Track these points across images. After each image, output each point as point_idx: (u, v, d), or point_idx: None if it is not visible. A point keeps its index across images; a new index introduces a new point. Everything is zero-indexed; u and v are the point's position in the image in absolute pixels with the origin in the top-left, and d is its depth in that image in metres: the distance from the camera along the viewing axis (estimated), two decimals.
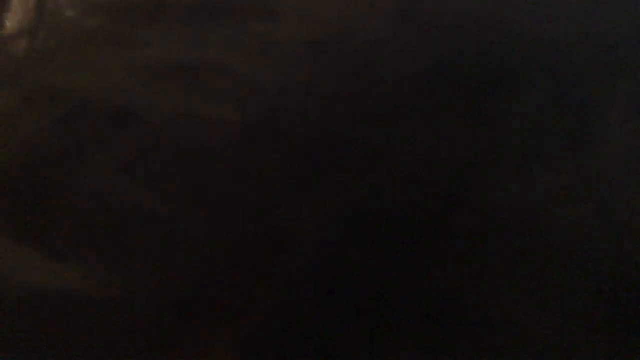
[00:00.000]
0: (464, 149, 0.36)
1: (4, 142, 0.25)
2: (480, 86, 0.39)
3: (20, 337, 0.20)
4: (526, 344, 0.32)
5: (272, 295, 0.24)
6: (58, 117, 0.26)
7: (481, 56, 0.40)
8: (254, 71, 0.29)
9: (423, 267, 0.31)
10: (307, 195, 0.28)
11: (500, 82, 0.39)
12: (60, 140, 0.25)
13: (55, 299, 0.21)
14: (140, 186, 0.23)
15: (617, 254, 0.45)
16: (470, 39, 0.41)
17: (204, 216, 0.23)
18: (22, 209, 0.23)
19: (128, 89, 0.27)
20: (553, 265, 0.52)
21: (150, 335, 0.21)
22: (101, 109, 0.26)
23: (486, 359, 0.28)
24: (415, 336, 0.29)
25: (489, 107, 0.39)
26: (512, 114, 0.42)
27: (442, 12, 0.40)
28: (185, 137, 0.25)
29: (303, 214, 0.27)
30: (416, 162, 0.32)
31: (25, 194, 0.23)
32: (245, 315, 0.23)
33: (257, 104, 0.28)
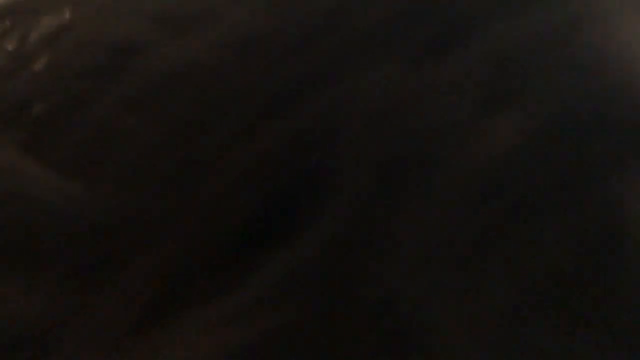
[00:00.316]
0: None
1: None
2: None
3: (16, 246, 0.19)
4: None
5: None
6: (67, 47, 0.24)
7: None
8: (255, 21, 0.26)
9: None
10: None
11: None
12: (72, 75, 0.23)
13: (53, 211, 0.19)
14: (141, 120, 0.21)
15: None
16: None
17: (195, 150, 0.21)
18: (30, 122, 0.21)
19: (135, 30, 0.25)
20: None
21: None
22: (109, 44, 0.24)
23: None
24: None
25: None
26: None
27: None
28: (184, 78, 0.23)
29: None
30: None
31: (34, 110, 0.21)
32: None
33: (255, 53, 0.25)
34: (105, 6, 0.19)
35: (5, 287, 0.17)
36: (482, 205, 0.15)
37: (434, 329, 0.15)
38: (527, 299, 0.15)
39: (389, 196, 0.16)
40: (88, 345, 0.15)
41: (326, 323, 0.15)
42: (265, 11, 0.18)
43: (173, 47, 0.18)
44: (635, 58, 0.17)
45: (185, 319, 0.15)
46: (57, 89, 0.19)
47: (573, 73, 0.17)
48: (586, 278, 0.15)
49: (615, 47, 0.17)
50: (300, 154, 0.16)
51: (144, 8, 0.19)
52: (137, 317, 0.16)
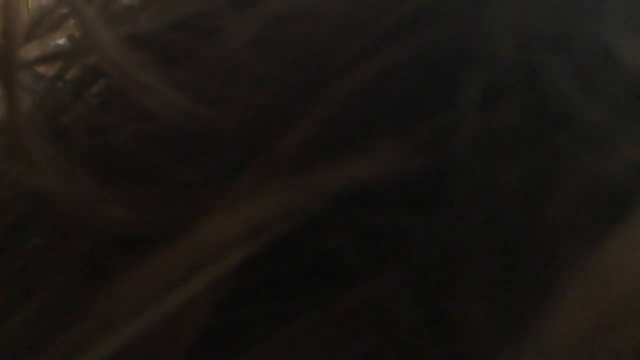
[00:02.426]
0: None
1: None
2: None
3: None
4: None
5: None
6: None
7: None
8: None
9: None
10: None
11: None
12: (195, 13, 0.24)
13: (188, 133, 0.20)
14: (258, 56, 0.21)
15: None
16: None
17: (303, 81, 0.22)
18: (159, 53, 0.23)
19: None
20: None
21: None
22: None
23: None
24: None
25: None
26: None
27: None
28: (298, 24, 0.23)
29: None
30: None
31: (161, 44, 0.22)
32: None
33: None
34: None
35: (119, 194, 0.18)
36: None
37: None
38: None
39: None
40: None
41: None
42: None
43: None
44: None
45: None
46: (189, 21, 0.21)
47: None
48: None
49: None
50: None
51: None
52: None
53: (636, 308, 0.14)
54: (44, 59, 0.23)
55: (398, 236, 0.16)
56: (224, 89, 0.19)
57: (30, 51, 0.23)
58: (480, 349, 0.15)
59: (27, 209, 0.21)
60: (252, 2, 0.20)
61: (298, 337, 0.16)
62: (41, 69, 0.23)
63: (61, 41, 0.24)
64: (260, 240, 0.15)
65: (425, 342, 0.15)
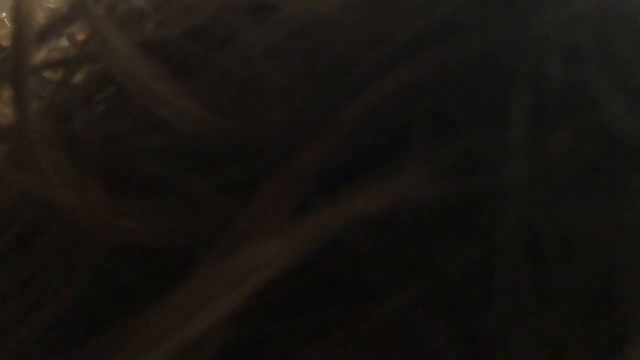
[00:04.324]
0: None
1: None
2: None
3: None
4: None
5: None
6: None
7: None
8: None
9: None
10: None
11: None
12: (210, 19, 0.22)
13: (203, 145, 0.19)
14: (276, 66, 0.20)
15: None
16: None
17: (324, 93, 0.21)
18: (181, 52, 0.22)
19: None
20: None
21: None
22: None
23: None
24: None
25: None
26: None
27: None
28: (318, 32, 0.22)
29: None
30: None
31: (179, 54, 0.22)
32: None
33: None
34: None
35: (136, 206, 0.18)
36: None
37: None
38: None
39: None
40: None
41: None
42: None
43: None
44: None
45: None
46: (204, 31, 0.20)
47: None
48: None
49: None
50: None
51: None
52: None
53: None
54: (53, 64, 0.23)
55: (425, 254, 0.15)
56: (241, 101, 0.18)
57: (40, 56, 0.23)
58: None
59: (35, 219, 0.20)
60: (269, 10, 0.19)
61: (323, 354, 0.15)
62: (49, 74, 0.23)
63: (70, 46, 0.24)
64: (288, 264, 0.15)
65: None
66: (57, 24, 0.22)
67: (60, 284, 0.19)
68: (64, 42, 0.25)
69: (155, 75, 0.18)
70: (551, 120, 0.15)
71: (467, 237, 0.15)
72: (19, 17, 0.19)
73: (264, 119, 0.18)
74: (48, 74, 0.23)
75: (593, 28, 0.16)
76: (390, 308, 0.15)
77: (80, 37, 0.23)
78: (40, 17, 0.23)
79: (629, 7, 0.16)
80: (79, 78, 0.23)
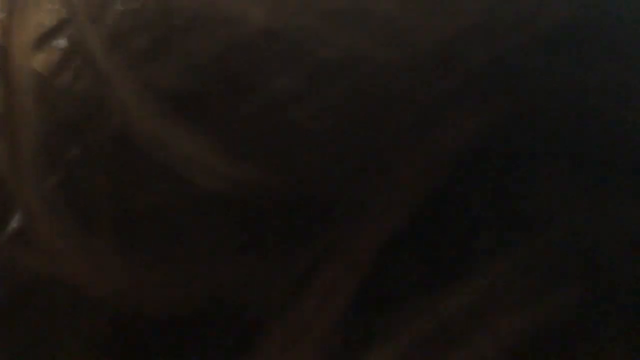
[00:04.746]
0: None
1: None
2: None
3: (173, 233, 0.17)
4: None
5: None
6: (239, 45, 0.21)
7: None
8: (429, 22, 0.24)
9: None
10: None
11: None
12: (237, 66, 0.21)
13: (230, 202, 0.17)
14: (307, 113, 0.19)
15: None
16: None
17: (360, 141, 0.19)
18: (195, 107, 0.19)
19: (304, 25, 0.23)
20: None
21: None
22: (282, 43, 0.21)
23: None
24: None
25: None
26: None
27: None
28: (356, 76, 0.21)
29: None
30: None
31: (200, 92, 0.20)
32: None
33: (424, 50, 0.23)
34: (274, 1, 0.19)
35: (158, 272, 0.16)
36: None
37: None
38: None
39: None
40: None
41: None
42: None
43: (339, 39, 0.17)
44: None
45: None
46: (220, 78, 0.18)
47: None
48: None
49: None
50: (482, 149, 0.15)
51: (315, 6, 0.18)
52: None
53: None
54: (47, 99, 0.20)
55: None
56: (268, 151, 0.17)
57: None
58: None
59: (45, 297, 0.18)
60: (295, 48, 0.17)
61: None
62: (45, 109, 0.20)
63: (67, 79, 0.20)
64: None
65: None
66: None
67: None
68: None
69: (165, 119, 0.16)
70: None
71: None
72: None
73: (297, 170, 0.16)
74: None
75: None
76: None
77: None
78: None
79: None
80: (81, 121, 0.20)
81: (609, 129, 0.15)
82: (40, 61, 0.20)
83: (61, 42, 0.20)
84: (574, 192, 0.15)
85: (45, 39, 0.20)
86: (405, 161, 0.15)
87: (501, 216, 0.15)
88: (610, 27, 0.16)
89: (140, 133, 0.17)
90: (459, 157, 0.15)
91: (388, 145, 0.16)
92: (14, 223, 0.18)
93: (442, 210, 0.15)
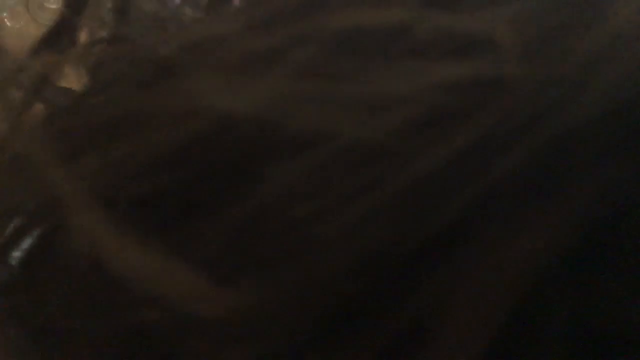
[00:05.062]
0: None
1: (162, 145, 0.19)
2: None
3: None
4: None
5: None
6: (236, 138, 0.20)
7: None
8: (457, 106, 0.22)
9: None
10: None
11: None
12: (235, 157, 0.19)
13: (206, 326, 0.15)
14: (314, 211, 0.17)
15: None
16: None
17: (374, 242, 0.17)
18: (177, 221, 0.17)
19: (312, 116, 0.21)
20: None
21: None
22: (278, 132, 0.20)
23: None
24: None
25: None
26: None
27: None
28: (366, 166, 0.20)
29: None
30: None
31: (182, 206, 0.17)
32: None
33: (454, 139, 0.21)
34: (290, 93, 0.16)
35: None
36: None
37: None
38: None
39: None
40: None
41: None
42: None
43: (349, 130, 0.15)
44: None
45: None
46: (207, 181, 0.16)
47: None
48: None
49: None
50: None
51: (317, 94, 0.16)
52: None
53: None
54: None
55: None
56: (266, 260, 0.15)
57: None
58: None
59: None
60: (290, 144, 0.16)
61: None
62: None
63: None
64: None
65: None
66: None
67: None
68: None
69: (136, 242, 0.15)
70: None
71: None
72: None
73: (304, 283, 0.14)
74: None
75: None
76: None
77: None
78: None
79: None
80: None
81: None
82: None
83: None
84: None
85: None
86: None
87: None
88: None
89: (116, 263, 0.15)
90: None
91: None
92: None
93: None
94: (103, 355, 0.16)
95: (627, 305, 0.13)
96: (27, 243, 0.18)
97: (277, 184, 0.15)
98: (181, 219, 0.16)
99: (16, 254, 0.18)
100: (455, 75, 0.14)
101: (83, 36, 0.20)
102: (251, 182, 0.15)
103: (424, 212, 0.14)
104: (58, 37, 0.20)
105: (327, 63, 0.16)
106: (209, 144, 0.16)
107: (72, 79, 0.19)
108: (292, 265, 0.14)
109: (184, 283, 0.14)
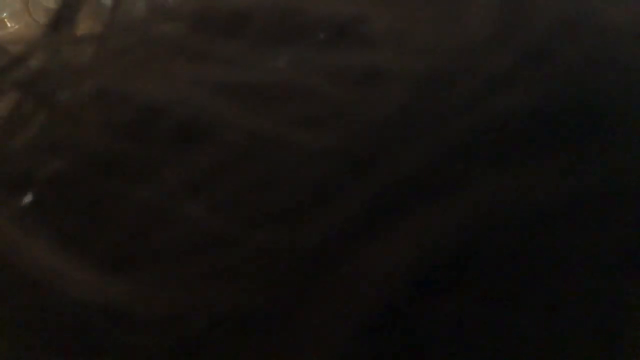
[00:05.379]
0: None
1: (63, 144, 0.19)
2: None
3: (54, 351, 0.14)
4: None
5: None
6: (123, 125, 0.19)
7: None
8: (344, 98, 0.21)
9: None
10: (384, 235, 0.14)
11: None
12: (123, 148, 0.19)
13: (97, 314, 0.16)
14: (205, 206, 0.17)
15: None
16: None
17: (267, 241, 0.17)
18: (74, 215, 0.17)
19: (202, 104, 0.21)
20: None
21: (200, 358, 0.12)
22: (172, 121, 0.19)
23: None
24: None
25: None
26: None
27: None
28: (260, 159, 0.19)
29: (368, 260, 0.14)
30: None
31: (79, 200, 0.18)
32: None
33: (343, 132, 0.20)
34: (168, 74, 0.17)
35: None
36: None
37: None
38: None
39: None
40: None
41: None
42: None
43: (243, 121, 0.16)
44: None
45: None
46: (104, 161, 0.16)
47: None
48: None
49: None
50: None
51: (208, 79, 0.16)
52: None
53: None
54: None
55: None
56: (160, 257, 0.15)
57: None
58: None
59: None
60: (199, 136, 0.16)
61: None
62: None
63: None
64: None
65: None
66: None
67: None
68: None
69: (37, 237, 0.15)
70: None
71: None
72: None
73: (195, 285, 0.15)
74: None
75: None
76: None
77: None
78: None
79: None
80: None
81: None
82: None
83: None
84: None
85: None
86: (327, 286, 0.14)
87: None
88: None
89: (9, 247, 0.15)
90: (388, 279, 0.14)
91: (296, 265, 0.14)
92: None
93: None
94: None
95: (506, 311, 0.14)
96: None
97: (173, 176, 0.15)
98: (84, 216, 0.16)
99: None
100: (346, 63, 0.15)
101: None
102: (150, 173, 0.15)
103: (312, 211, 0.14)
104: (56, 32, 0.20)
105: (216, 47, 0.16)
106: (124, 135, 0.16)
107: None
108: (184, 260, 0.15)
109: (76, 271, 0.15)
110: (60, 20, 0.20)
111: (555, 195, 0.14)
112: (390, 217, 0.14)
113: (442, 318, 0.14)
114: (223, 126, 0.16)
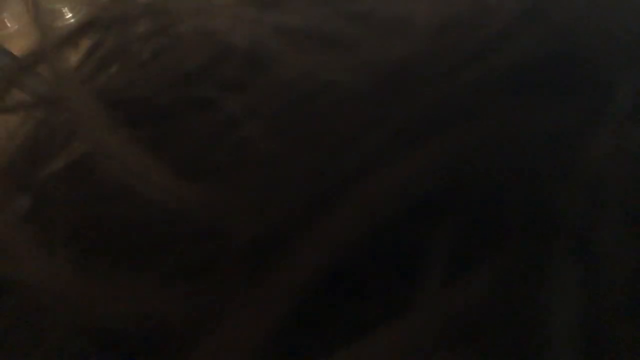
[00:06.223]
0: None
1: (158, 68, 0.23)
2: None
3: (125, 252, 0.16)
4: None
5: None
6: (196, 60, 0.22)
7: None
8: (383, 46, 0.24)
9: None
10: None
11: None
12: (197, 76, 0.21)
13: (169, 215, 0.15)
14: (261, 129, 0.19)
15: None
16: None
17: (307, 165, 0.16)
18: (157, 117, 0.20)
19: (263, 40, 0.23)
20: None
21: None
22: (239, 56, 0.22)
23: None
24: None
25: None
26: None
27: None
28: (310, 94, 0.21)
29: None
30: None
31: (160, 115, 0.20)
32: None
33: (380, 76, 0.23)
34: (243, 17, 0.19)
35: (108, 285, 0.16)
36: None
37: None
38: None
39: None
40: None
41: None
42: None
43: (308, 64, 0.17)
44: None
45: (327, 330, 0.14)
46: (185, 91, 0.18)
47: None
48: None
49: None
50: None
51: (277, 21, 0.18)
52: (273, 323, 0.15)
53: None
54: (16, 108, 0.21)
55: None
56: (225, 169, 0.16)
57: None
58: None
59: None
60: (261, 71, 0.17)
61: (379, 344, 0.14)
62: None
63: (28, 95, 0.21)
64: None
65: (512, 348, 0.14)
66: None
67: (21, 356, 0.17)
68: None
69: (125, 139, 0.16)
70: None
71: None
72: None
73: (256, 190, 0.16)
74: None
75: None
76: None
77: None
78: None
79: None
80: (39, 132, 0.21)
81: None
82: None
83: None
84: None
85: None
86: (349, 199, 0.15)
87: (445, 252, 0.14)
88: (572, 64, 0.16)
89: (100, 151, 0.17)
90: (403, 197, 0.15)
91: (334, 178, 0.15)
92: None
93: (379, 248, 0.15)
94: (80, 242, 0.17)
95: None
96: (56, 169, 0.19)
97: (236, 104, 0.17)
98: (158, 128, 0.18)
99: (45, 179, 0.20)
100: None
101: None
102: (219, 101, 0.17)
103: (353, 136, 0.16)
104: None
105: None
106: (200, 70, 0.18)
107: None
108: (236, 175, 0.16)
109: (153, 175, 0.16)
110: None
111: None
112: (407, 146, 0.15)
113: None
114: (279, 63, 0.17)
